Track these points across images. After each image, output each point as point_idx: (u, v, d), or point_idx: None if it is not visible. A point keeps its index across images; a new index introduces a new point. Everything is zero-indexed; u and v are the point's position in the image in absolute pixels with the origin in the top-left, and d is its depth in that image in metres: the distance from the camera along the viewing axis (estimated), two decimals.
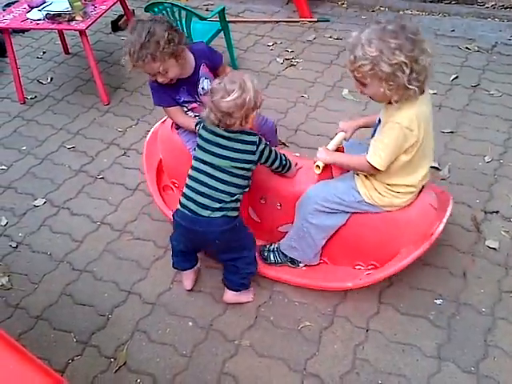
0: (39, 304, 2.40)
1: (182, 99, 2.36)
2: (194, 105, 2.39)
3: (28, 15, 3.56)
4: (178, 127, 2.49)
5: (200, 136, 2.09)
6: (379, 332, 2.15)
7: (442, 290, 2.28)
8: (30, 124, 3.67)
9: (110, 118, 3.64)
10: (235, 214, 2.09)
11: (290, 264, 2.36)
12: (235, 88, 1.93)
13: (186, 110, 2.41)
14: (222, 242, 2.11)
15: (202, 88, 2.36)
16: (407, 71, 1.69)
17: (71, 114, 3.72)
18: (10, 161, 3.33)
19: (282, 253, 2.32)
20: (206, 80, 2.37)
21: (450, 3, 4.93)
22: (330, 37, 4.40)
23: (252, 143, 2.03)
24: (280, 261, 2.36)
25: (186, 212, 2.08)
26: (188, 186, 2.10)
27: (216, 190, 2.03)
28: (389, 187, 1.99)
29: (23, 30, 4.69)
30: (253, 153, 2.03)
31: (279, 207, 2.37)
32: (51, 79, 4.16)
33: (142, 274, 2.50)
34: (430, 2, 4.96)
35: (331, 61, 4.05)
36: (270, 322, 2.23)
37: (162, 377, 2.07)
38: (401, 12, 4.74)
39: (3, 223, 2.86)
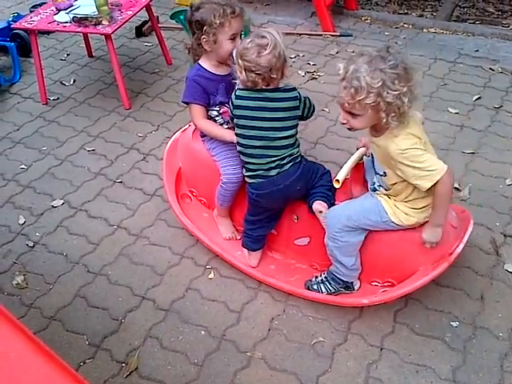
0: (53, 305, 2.41)
1: (219, 98, 2.33)
2: (226, 109, 2.37)
3: (55, 17, 3.60)
4: (203, 135, 2.48)
5: (238, 106, 2.10)
6: (393, 351, 2.13)
7: (459, 313, 2.25)
8: (52, 125, 3.70)
9: (130, 123, 3.66)
10: (299, 158, 2.20)
11: (344, 290, 2.25)
12: (268, 41, 1.97)
13: (216, 113, 2.38)
14: (302, 187, 2.19)
15: None
16: (406, 100, 1.72)
17: (92, 116, 3.75)
18: (30, 160, 3.35)
19: (334, 281, 2.22)
20: None
21: (474, 23, 4.93)
22: (353, 51, 4.38)
23: (295, 98, 2.11)
24: (334, 290, 2.24)
25: (261, 180, 2.17)
26: (247, 157, 2.16)
27: (287, 146, 2.13)
28: (412, 208, 1.97)
29: (48, 32, 4.74)
30: (297, 107, 2.12)
31: (296, 220, 2.37)
32: (74, 81, 4.21)
33: (157, 279, 2.50)
34: (455, 21, 4.96)
35: None
36: (283, 336, 2.22)
37: None
38: (424, 30, 4.73)
39: (21, 222, 2.88)
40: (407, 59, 1.77)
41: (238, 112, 2.12)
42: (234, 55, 2.07)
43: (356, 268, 2.18)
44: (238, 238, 2.55)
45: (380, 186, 2.05)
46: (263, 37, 2.00)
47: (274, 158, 2.13)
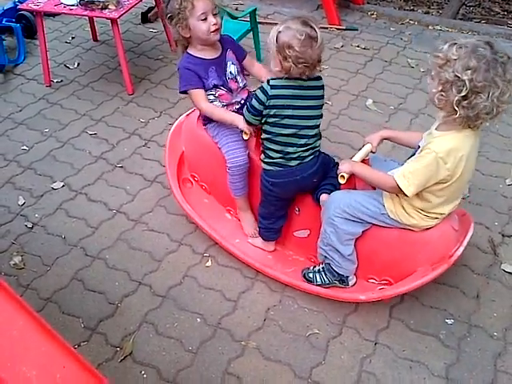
0: (50, 287, 2.42)
1: (212, 81, 2.33)
2: (222, 92, 2.36)
3: (62, 0, 3.58)
4: (205, 123, 2.47)
5: (276, 96, 2.06)
6: (387, 347, 2.14)
7: (454, 310, 2.26)
8: (54, 107, 3.69)
9: (133, 108, 3.65)
10: (319, 151, 2.26)
11: (338, 284, 2.24)
12: (316, 34, 1.98)
13: (213, 97, 2.37)
14: (318, 180, 2.24)
15: (230, 72, 2.38)
16: (462, 93, 1.66)
17: (95, 100, 3.74)
18: (32, 142, 3.35)
19: (330, 272, 2.22)
20: (232, 65, 2.39)
21: (479, 22, 4.92)
22: (358, 46, 4.38)
23: (323, 87, 2.17)
24: (328, 281, 2.23)
25: (279, 169, 2.19)
26: (271, 143, 2.16)
27: (312, 137, 2.16)
28: (419, 210, 1.96)
29: (54, 14, 4.71)
30: (323, 96, 2.18)
31: (297, 212, 2.37)
32: (78, 64, 4.19)
33: (154, 265, 2.50)
34: (460, 19, 4.95)
35: (357, 70, 4.03)
36: (278, 326, 2.23)
37: (167, 371, 2.07)
38: (430, 27, 4.71)
39: (20, 203, 2.88)
40: (507, 74, 1.68)
41: (273, 102, 2.07)
42: (274, 43, 2.02)
43: (352, 260, 2.17)
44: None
45: None
46: (312, 28, 1.97)
47: (299, 149, 2.14)
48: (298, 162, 2.16)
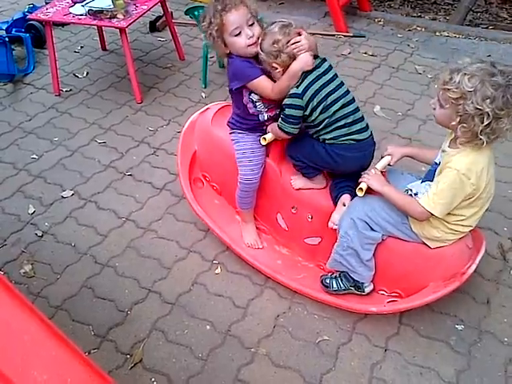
0: (60, 294, 2.43)
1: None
2: None
3: (71, 10, 3.62)
4: (234, 127, 2.39)
5: (308, 84, 2.07)
6: (398, 353, 2.13)
7: (464, 316, 2.25)
8: (64, 116, 3.72)
9: (142, 117, 3.68)
10: None
11: (354, 290, 2.22)
12: (290, 22, 2.16)
13: (258, 96, 2.24)
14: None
15: None
16: (485, 122, 1.69)
17: (104, 109, 3.77)
18: (42, 151, 3.38)
19: (345, 278, 2.22)
20: None
21: (487, 28, 4.91)
22: (365, 53, 4.39)
23: (331, 66, 2.18)
24: (344, 287, 2.22)
25: (353, 142, 2.14)
26: (340, 121, 2.12)
27: (358, 109, 2.17)
28: (446, 223, 1.95)
29: (63, 24, 4.76)
30: (337, 75, 2.19)
31: (310, 219, 2.36)
32: (87, 74, 4.23)
33: (164, 273, 2.51)
34: (468, 25, 4.94)
35: (365, 76, 4.04)
36: (288, 333, 2.23)
37: (177, 378, 2.07)
38: (437, 33, 4.72)
39: (30, 211, 2.90)
40: None
41: (308, 94, 2.06)
42: (262, 53, 2.09)
43: (370, 266, 2.16)
44: (260, 246, 2.53)
45: (415, 194, 2.04)
46: (283, 20, 2.14)
47: (361, 121, 2.15)
48: (368, 133, 2.17)
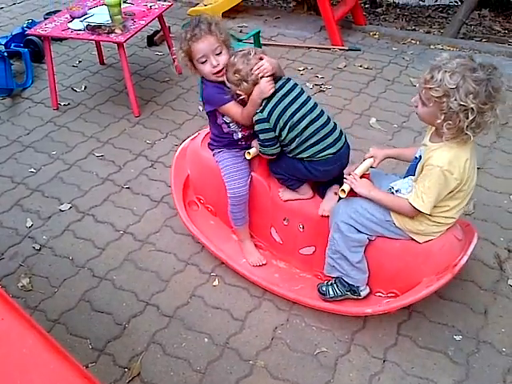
0: (57, 308, 2.43)
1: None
2: None
3: (69, 25, 3.66)
4: (212, 148, 2.48)
5: (273, 106, 2.14)
6: (396, 364, 2.13)
7: (462, 326, 2.25)
8: (62, 130, 3.74)
9: (139, 130, 3.70)
10: None
11: (350, 295, 2.23)
12: (249, 49, 2.22)
13: (230, 119, 2.34)
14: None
15: None
16: (470, 118, 1.71)
17: (102, 123, 3.79)
18: (39, 164, 3.39)
19: (341, 283, 2.22)
20: None
21: (481, 41, 4.97)
22: (361, 66, 4.43)
23: (296, 84, 2.26)
24: (340, 293, 2.22)
25: (330, 156, 2.19)
26: (312, 137, 2.17)
27: (328, 121, 2.23)
28: (429, 216, 1.96)
29: (61, 39, 4.80)
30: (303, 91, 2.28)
31: (302, 229, 2.38)
32: (85, 88, 4.25)
33: (161, 285, 2.51)
34: (462, 38, 5.00)
35: (360, 89, 4.07)
36: (286, 345, 2.22)
37: None
38: (431, 46, 4.77)
39: (28, 225, 2.91)
40: (500, 89, 1.73)
41: (273, 116, 2.14)
42: (229, 83, 2.19)
43: (362, 269, 2.16)
44: (264, 262, 2.53)
45: (397, 191, 2.06)
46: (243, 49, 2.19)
47: (333, 132, 2.20)
48: (343, 143, 2.23)
